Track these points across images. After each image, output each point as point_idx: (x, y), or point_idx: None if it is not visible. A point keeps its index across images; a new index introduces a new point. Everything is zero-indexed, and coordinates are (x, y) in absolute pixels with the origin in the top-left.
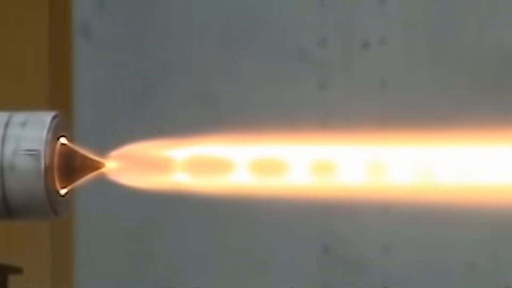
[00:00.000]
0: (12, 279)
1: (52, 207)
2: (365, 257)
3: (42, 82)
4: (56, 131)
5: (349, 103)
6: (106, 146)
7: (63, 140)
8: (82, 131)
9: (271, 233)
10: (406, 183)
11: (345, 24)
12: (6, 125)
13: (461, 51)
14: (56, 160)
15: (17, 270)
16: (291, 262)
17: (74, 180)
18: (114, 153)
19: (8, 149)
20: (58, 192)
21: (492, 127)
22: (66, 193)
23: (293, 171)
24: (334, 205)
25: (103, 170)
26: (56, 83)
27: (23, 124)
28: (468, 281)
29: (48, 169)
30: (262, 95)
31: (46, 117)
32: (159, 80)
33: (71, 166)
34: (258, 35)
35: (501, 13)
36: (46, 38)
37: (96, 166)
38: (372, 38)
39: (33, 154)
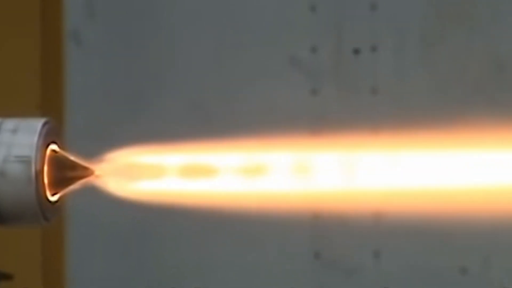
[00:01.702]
0: (3, 286)
1: (42, 213)
2: (357, 263)
3: (34, 89)
4: (47, 137)
5: (340, 109)
6: (97, 152)
7: (54, 146)
8: (73, 137)
9: (263, 239)
10: (397, 189)
11: (336, 30)
12: None
13: (452, 58)
14: (46, 167)
15: (7, 277)
16: (283, 267)
17: (64, 187)
18: (105, 159)
19: None
20: (48, 199)
21: (484, 131)
22: (57, 199)
23: (285, 177)
24: (326, 211)
25: (94, 176)
26: (48, 89)
27: (14, 131)
28: (460, 286)
29: (38, 175)
30: (253, 101)
31: (37, 123)
32: (150, 86)
33: (62, 173)
34: (250, 42)
35: (491, 19)
36: (37, 45)
37: (87, 172)
38: (363, 44)
39: (24, 160)
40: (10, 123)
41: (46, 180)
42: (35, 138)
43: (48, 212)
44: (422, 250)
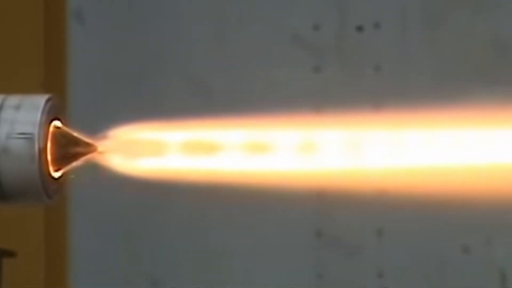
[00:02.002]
0: (6, 263)
1: (45, 190)
2: (359, 241)
3: (37, 67)
4: (50, 114)
5: (343, 86)
6: (99, 129)
7: (56, 123)
8: (76, 114)
9: (265, 217)
10: (400, 167)
11: (339, 7)
12: (0, 108)
13: (455, 36)
14: (49, 143)
15: (10, 254)
16: (285, 245)
17: (67, 163)
18: (108, 136)
19: (2, 132)
20: (51, 175)
21: (487, 109)
22: (60, 176)
23: (287, 154)
24: (329, 189)
25: (97, 153)
26: (51, 67)
27: (17, 107)
28: (463, 264)
29: (41, 152)
30: (256, 79)
31: (40, 100)
32: (152, 63)
33: (65, 149)
34: (252, 19)
35: (494, 0)
36: (40, 23)
37: (90, 149)
38: (366, 22)
39: (27, 137)
40: (13, 100)
41: (49, 157)
42: (38, 115)
43: (51, 189)
44: (425, 229)
